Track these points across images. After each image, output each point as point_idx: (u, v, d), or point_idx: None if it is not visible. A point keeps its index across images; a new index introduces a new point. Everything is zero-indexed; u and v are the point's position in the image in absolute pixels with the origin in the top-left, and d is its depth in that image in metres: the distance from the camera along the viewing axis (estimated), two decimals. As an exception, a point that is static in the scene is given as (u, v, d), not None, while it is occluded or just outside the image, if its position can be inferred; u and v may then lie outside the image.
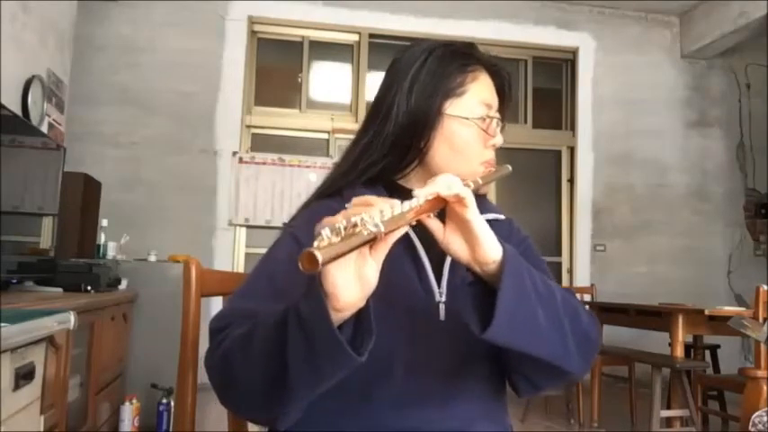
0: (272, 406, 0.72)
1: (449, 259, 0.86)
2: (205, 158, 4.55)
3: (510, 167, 0.92)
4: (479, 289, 0.73)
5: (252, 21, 4.78)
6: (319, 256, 0.54)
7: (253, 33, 4.84)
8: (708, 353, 3.78)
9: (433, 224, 0.72)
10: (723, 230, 5.33)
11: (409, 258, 0.86)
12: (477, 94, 0.89)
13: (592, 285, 4.25)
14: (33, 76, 3.13)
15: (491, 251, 0.71)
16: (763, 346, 2.45)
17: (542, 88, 5.39)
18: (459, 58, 0.90)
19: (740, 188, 5.41)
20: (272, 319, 0.69)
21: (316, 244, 0.56)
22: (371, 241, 0.61)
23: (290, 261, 0.81)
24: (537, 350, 0.74)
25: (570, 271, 5.13)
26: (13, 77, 2.95)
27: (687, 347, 3.50)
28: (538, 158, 5.32)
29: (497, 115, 0.91)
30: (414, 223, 0.68)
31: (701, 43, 5.14)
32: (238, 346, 0.72)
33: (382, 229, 0.61)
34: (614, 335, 3.98)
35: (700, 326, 3.05)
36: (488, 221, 0.91)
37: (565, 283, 5.10)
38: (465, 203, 0.69)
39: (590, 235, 5.10)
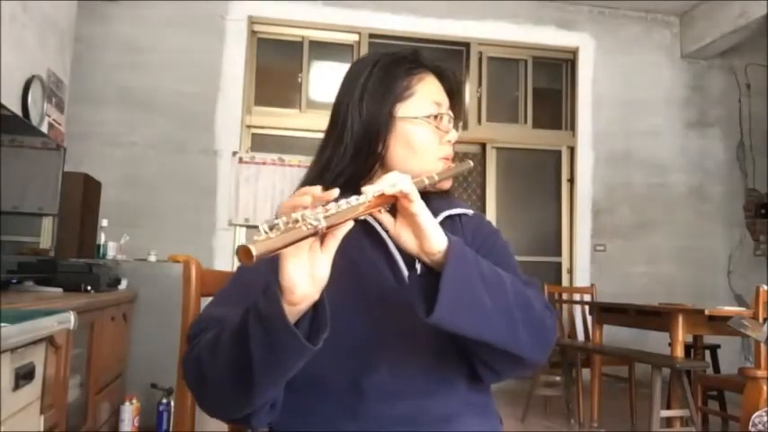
0: (241, 402, 0.76)
1: None
2: (205, 158, 4.55)
3: (471, 163, 0.97)
4: (429, 279, 0.76)
5: (252, 21, 4.77)
6: (254, 250, 0.57)
7: (253, 33, 4.84)
8: (708, 353, 3.78)
9: (385, 218, 0.77)
10: (723, 230, 5.33)
11: (380, 253, 0.90)
12: (426, 95, 0.93)
13: (592, 285, 4.26)
14: (33, 76, 3.13)
15: (436, 242, 0.75)
16: (763, 346, 2.45)
17: (542, 88, 5.39)
18: (403, 63, 0.94)
19: (740, 188, 5.41)
20: (237, 319, 0.73)
21: (255, 238, 0.59)
22: (313, 236, 0.64)
23: (262, 269, 0.83)
24: (484, 335, 0.78)
25: (570, 271, 5.13)
26: (13, 77, 2.95)
27: (687, 347, 3.49)
28: (538, 158, 5.32)
29: (448, 112, 0.95)
30: (363, 218, 0.72)
31: (701, 43, 5.13)
32: (207, 348, 0.77)
33: (324, 224, 0.64)
34: (614, 335, 3.98)
35: (700, 326, 3.05)
36: (458, 216, 0.96)
37: (565, 283, 5.10)
38: (410, 198, 0.73)
39: (590, 235, 5.10)
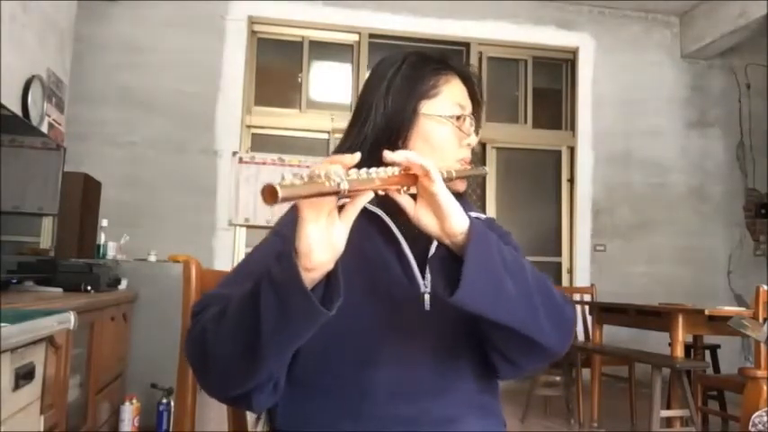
0: (244, 374, 0.75)
1: (432, 250, 0.89)
2: (205, 158, 4.55)
3: (487, 170, 0.98)
4: (451, 261, 0.76)
5: (252, 21, 4.77)
6: (280, 191, 0.58)
7: (253, 33, 4.84)
8: (708, 353, 3.78)
9: (404, 200, 0.77)
10: (723, 230, 5.32)
11: (392, 250, 0.89)
12: (451, 96, 0.94)
13: (592, 285, 4.25)
14: (33, 76, 3.13)
15: (458, 222, 0.75)
16: (763, 346, 2.45)
17: (542, 88, 5.39)
18: (432, 63, 0.95)
19: (740, 188, 5.41)
20: (246, 291, 0.72)
21: (279, 182, 0.59)
22: (335, 194, 0.64)
23: (269, 256, 0.83)
24: (506, 317, 0.77)
25: (570, 271, 5.13)
26: (13, 77, 2.95)
27: (687, 347, 3.49)
28: (538, 158, 5.32)
29: (471, 115, 0.96)
30: (382, 192, 0.72)
31: (701, 43, 5.14)
32: (213, 321, 0.76)
33: (346, 185, 0.64)
34: (614, 335, 3.98)
35: (700, 326, 3.05)
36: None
37: (565, 283, 5.09)
38: (431, 177, 0.73)
39: (590, 235, 5.10)
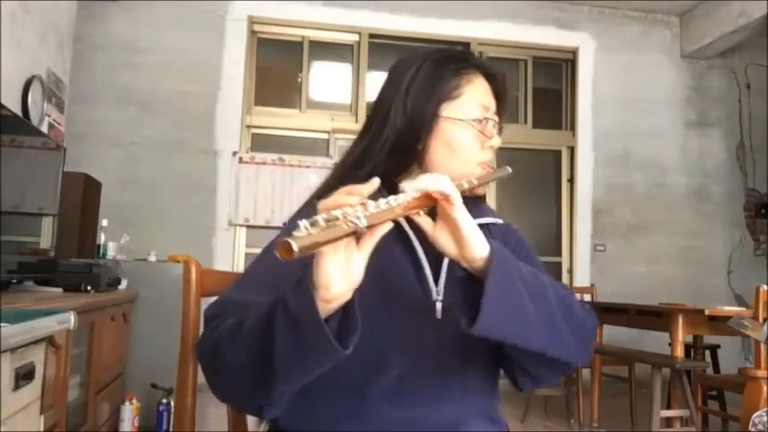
0: (258, 394, 0.74)
1: (447, 258, 0.87)
2: (205, 158, 4.55)
3: (509, 169, 0.92)
4: (470, 285, 0.74)
5: (252, 21, 4.77)
6: (294, 245, 0.56)
7: (253, 33, 4.84)
8: (708, 353, 3.78)
9: (423, 220, 0.75)
10: (723, 230, 5.32)
11: (408, 258, 0.88)
12: (473, 97, 0.91)
13: (592, 285, 4.25)
14: (33, 76, 3.14)
15: (477, 248, 0.73)
16: (763, 346, 2.45)
17: (542, 88, 5.39)
18: (454, 62, 0.92)
19: (740, 188, 5.41)
20: (263, 309, 0.71)
21: (295, 234, 0.58)
22: (352, 234, 0.63)
23: (294, 261, 0.83)
24: (529, 342, 0.76)
25: (570, 271, 5.13)
26: (13, 77, 2.95)
27: (687, 347, 3.49)
28: (538, 158, 5.32)
29: (494, 117, 0.93)
30: (401, 219, 0.70)
31: (701, 43, 5.14)
32: (229, 334, 0.75)
33: (364, 223, 0.62)
34: (614, 335, 3.98)
35: (700, 326, 3.05)
36: (486, 225, 0.94)
37: (565, 282, 5.09)
38: (451, 201, 0.71)
39: (590, 235, 5.10)
